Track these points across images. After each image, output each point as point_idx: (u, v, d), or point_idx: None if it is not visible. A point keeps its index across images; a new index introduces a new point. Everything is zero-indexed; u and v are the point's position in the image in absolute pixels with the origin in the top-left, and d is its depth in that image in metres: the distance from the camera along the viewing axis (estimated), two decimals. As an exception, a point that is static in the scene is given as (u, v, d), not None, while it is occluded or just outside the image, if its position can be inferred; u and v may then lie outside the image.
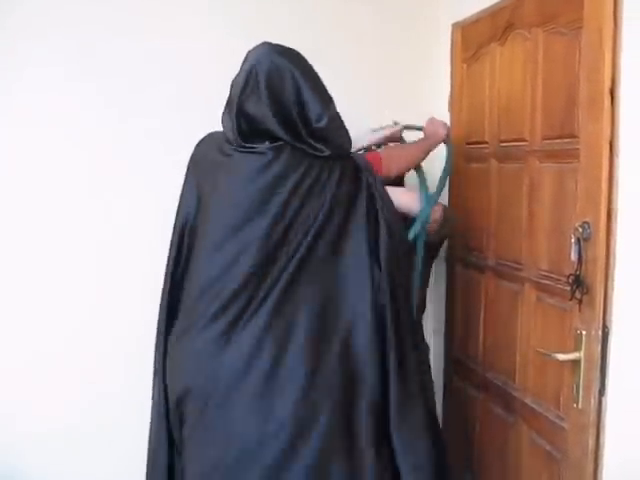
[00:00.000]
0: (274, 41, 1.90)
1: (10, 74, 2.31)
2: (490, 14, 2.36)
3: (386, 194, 1.92)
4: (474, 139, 2.51)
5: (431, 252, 2.44)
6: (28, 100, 2.33)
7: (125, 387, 2.41)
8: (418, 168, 2.28)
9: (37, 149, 2.35)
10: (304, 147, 1.82)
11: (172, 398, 1.84)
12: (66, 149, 2.38)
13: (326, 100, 1.88)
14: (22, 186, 2.35)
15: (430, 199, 2.21)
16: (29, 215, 2.37)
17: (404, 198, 2.10)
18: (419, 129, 2.37)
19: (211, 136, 2.01)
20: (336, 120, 1.89)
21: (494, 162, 2.37)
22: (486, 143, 2.42)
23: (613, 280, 1.74)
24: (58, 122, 2.36)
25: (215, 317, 1.76)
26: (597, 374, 1.77)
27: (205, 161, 1.96)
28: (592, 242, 1.77)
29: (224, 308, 1.76)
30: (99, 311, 2.44)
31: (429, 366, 2.37)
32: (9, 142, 2.34)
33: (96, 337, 2.44)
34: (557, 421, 1.99)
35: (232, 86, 1.89)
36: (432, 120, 2.35)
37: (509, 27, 2.24)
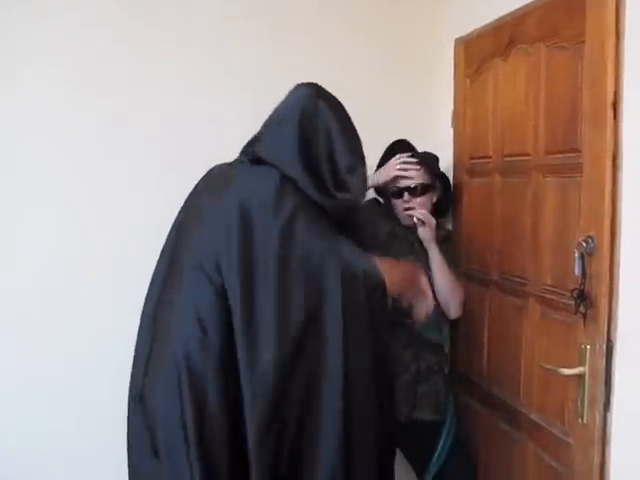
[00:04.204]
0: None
1: (9, 82, 2.34)
2: (493, 29, 2.37)
3: None
4: (478, 154, 2.51)
5: None
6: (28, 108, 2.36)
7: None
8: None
9: (35, 158, 2.38)
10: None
11: None
12: (67, 159, 2.42)
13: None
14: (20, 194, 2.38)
15: None
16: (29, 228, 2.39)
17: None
18: None
19: None
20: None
21: (498, 177, 2.37)
22: (490, 157, 2.42)
23: (617, 294, 1.74)
24: (59, 132, 2.40)
25: None
26: (602, 389, 1.76)
27: None
28: (596, 256, 1.77)
29: None
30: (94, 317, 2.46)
31: None
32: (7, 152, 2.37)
33: (89, 341, 2.45)
34: (562, 436, 1.97)
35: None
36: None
37: (512, 42, 2.25)
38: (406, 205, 2.41)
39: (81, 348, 2.44)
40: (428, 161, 2.48)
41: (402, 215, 2.44)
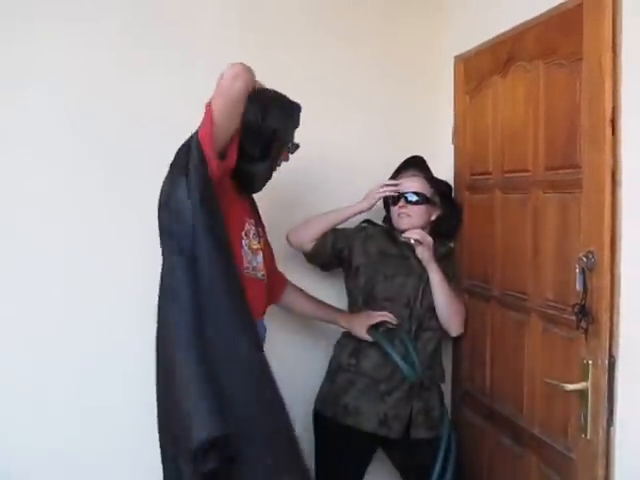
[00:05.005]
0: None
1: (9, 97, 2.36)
2: (491, 47, 2.39)
3: None
4: (478, 170, 2.53)
5: None
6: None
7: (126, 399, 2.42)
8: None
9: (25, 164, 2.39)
10: None
11: None
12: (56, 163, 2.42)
13: None
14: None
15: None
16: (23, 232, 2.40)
17: None
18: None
19: None
20: None
21: (498, 193, 2.38)
22: (490, 174, 2.43)
23: (618, 309, 1.74)
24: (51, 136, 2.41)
25: None
26: (605, 404, 1.76)
27: None
28: (597, 271, 1.78)
29: None
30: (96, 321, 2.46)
31: None
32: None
33: (91, 341, 2.45)
34: (566, 452, 1.96)
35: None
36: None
37: (510, 60, 2.27)
38: (401, 211, 2.42)
39: (84, 347, 2.44)
40: (435, 179, 2.49)
41: (396, 221, 2.45)
